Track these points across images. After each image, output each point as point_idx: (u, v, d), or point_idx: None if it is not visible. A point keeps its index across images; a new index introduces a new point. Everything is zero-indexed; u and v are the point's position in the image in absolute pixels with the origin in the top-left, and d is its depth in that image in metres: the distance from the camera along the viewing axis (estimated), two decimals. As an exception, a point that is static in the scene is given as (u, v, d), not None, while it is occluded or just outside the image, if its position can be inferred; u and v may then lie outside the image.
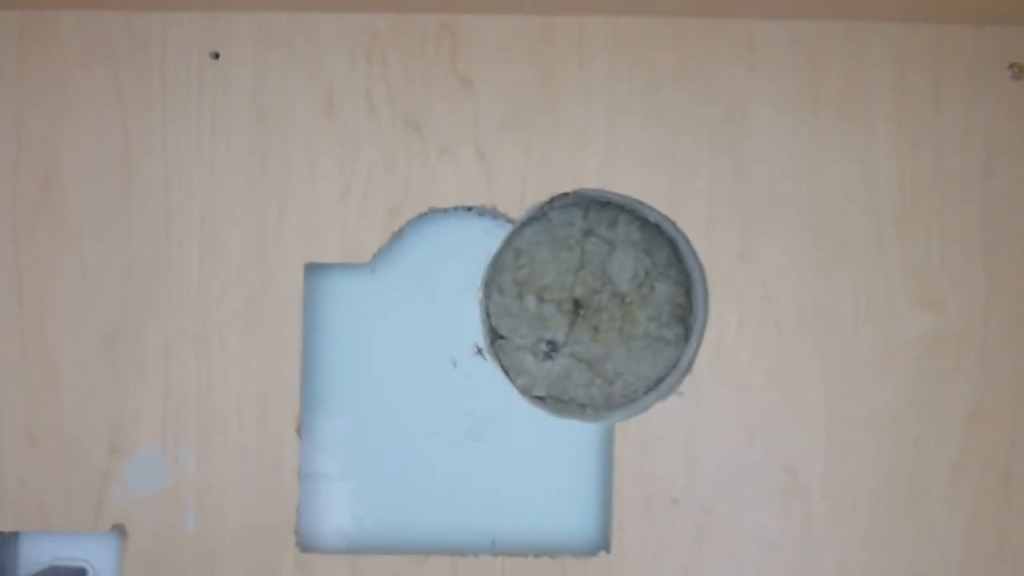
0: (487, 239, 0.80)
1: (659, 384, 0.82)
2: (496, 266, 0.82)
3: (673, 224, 0.78)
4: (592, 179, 0.77)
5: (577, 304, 0.83)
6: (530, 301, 0.83)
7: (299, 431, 0.77)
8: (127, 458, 0.76)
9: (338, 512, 0.80)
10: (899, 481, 0.77)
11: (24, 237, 0.76)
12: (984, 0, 0.72)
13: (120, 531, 0.76)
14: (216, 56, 0.77)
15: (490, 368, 0.80)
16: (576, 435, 0.80)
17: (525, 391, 0.82)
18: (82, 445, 0.76)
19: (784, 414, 0.77)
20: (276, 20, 0.77)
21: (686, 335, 0.82)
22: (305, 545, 0.78)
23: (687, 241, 0.78)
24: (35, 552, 0.78)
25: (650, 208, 0.78)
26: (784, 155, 0.77)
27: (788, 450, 0.77)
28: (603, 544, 0.78)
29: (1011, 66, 0.77)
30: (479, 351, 0.80)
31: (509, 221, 0.79)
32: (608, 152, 0.77)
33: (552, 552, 0.77)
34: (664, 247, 0.83)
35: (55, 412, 0.76)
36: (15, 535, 0.78)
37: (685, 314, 0.82)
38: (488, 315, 0.82)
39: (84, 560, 0.78)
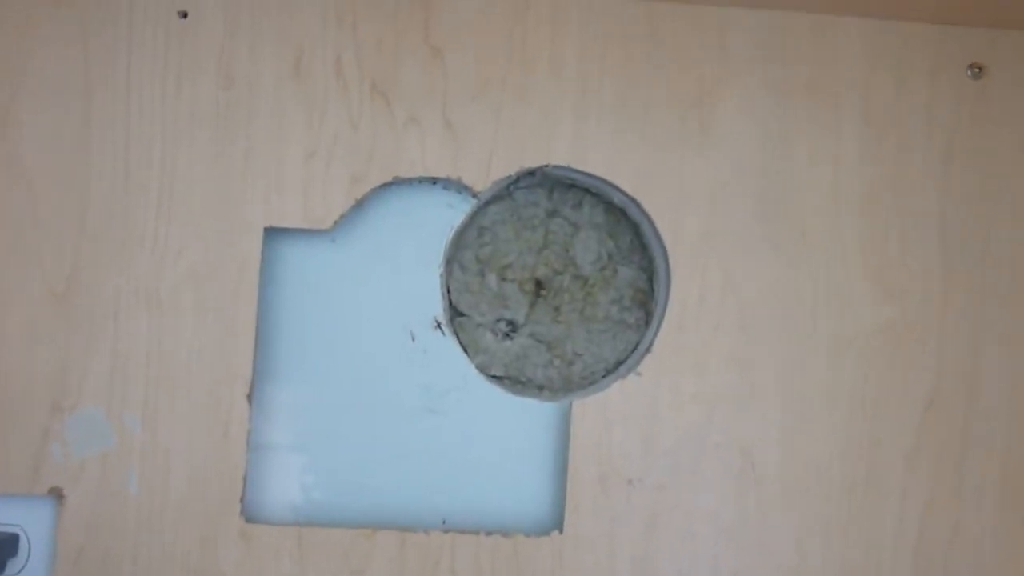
0: (451, 213, 0.79)
1: (619, 367, 0.81)
2: (459, 243, 0.81)
3: (638, 205, 0.78)
4: (560, 155, 0.77)
5: (539, 284, 0.83)
6: (491, 279, 0.82)
7: (250, 398, 0.75)
8: (69, 418, 0.74)
9: (286, 483, 0.77)
10: (854, 469, 0.77)
11: (-26, 180, 0.74)
12: (948, 0, 0.74)
13: (57, 495, 0.73)
14: (184, 16, 0.76)
15: (449, 343, 0.79)
16: (533, 413, 0.79)
17: (483, 370, 0.81)
18: (22, 402, 0.73)
19: (741, 397, 0.77)
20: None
21: (647, 320, 0.82)
22: (251, 515, 0.76)
23: (651, 223, 0.78)
24: (-35, 514, 0.75)
25: (615, 189, 0.78)
26: (751, 141, 0.78)
27: (744, 433, 0.77)
28: (556, 524, 0.77)
29: (971, 66, 0.79)
30: (438, 325, 0.79)
31: (474, 195, 0.78)
32: (577, 129, 0.77)
33: (504, 531, 0.76)
34: (628, 231, 0.82)
35: (-5, 365, 0.73)
36: (-55, 496, 0.74)
37: (646, 299, 0.82)
38: (448, 291, 0.81)
39: (18, 526, 0.74)
